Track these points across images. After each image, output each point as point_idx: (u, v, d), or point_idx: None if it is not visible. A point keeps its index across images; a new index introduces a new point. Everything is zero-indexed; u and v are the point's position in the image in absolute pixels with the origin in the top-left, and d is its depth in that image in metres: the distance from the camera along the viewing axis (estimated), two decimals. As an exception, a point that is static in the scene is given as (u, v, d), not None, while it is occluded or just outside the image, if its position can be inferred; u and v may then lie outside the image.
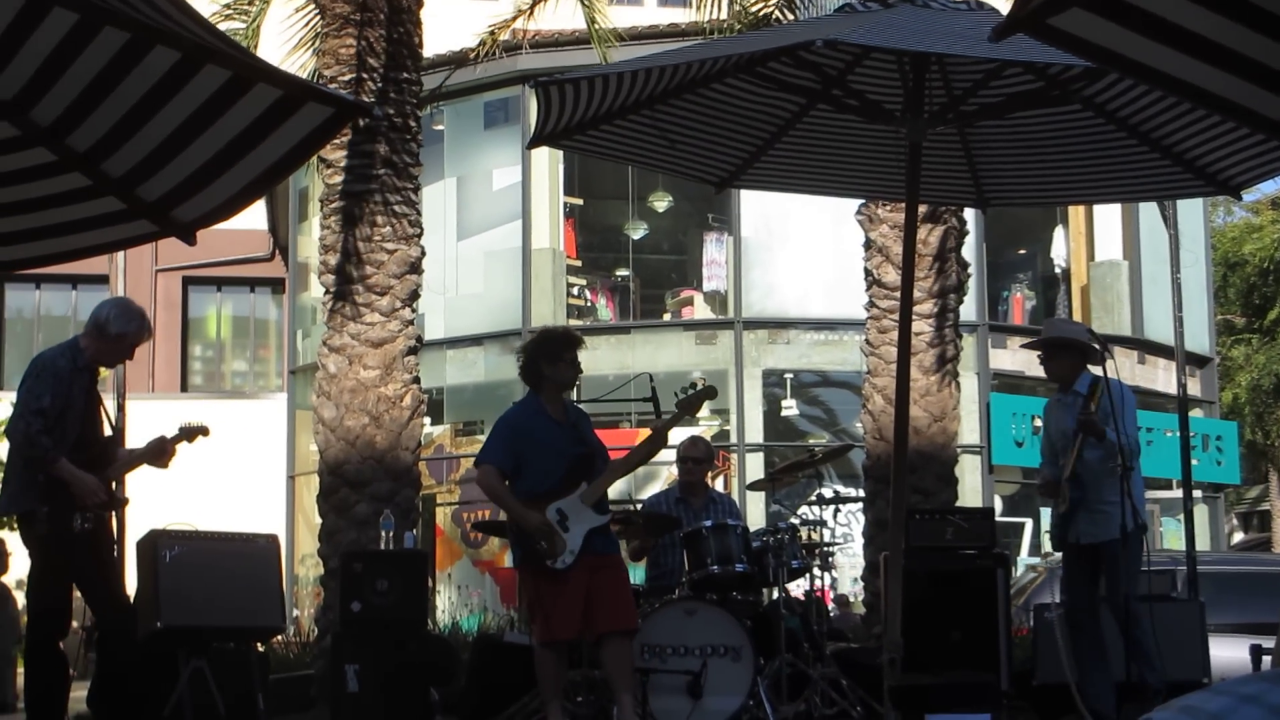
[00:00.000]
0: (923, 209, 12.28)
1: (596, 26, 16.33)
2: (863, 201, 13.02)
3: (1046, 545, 21.14)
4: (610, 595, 8.03)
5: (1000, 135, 8.18)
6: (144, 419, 8.74)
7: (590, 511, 8.05)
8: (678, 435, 15.56)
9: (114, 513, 8.07)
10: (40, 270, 26.43)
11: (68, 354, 7.62)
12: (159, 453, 7.89)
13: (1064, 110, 7.75)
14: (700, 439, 11.20)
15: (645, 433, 8.71)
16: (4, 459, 8.49)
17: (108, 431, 7.90)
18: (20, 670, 13.07)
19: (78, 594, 7.86)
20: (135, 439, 8.16)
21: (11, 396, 7.83)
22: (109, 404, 8.55)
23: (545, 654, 8.09)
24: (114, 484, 7.99)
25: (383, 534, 10.15)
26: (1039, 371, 9.65)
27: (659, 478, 20.10)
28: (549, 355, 8.27)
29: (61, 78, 5.42)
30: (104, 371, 16.53)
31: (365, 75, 11.67)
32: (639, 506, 10.79)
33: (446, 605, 19.12)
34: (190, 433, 8.04)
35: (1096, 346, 8.61)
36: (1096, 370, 8.80)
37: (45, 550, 7.49)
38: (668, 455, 18.32)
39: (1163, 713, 1.53)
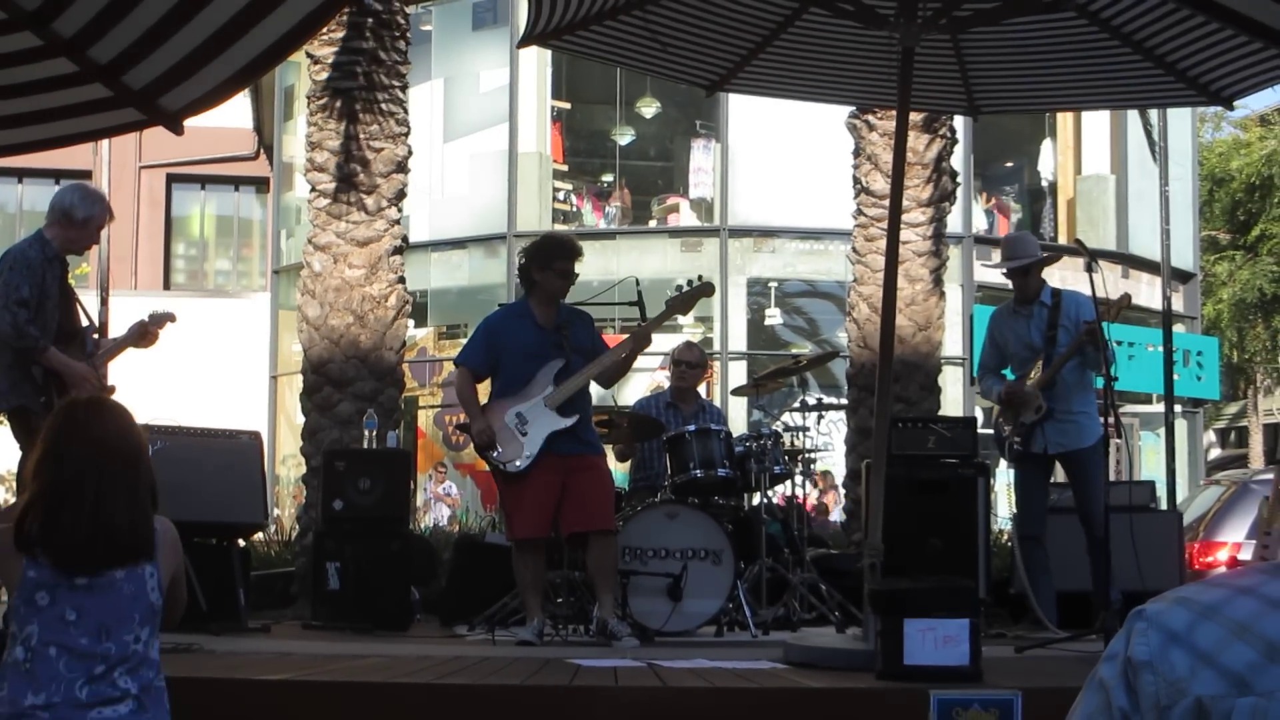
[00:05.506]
0: (920, 118, 12.22)
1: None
2: (854, 109, 12.93)
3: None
4: (584, 496, 8.07)
5: (993, 42, 8.12)
6: (127, 316, 8.66)
7: (553, 414, 8.08)
8: (672, 340, 15.63)
9: None
10: (23, 164, 26.31)
11: (36, 245, 7.53)
12: (142, 334, 7.86)
13: (1058, 17, 7.69)
14: (694, 344, 11.19)
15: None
16: None
17: (85, 322, 7.83)
18: None
19: None
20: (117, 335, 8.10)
21: None
22: (92, 300, 8.48)
23: (519, 554, 8.19)
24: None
25: (366, 433, 10.15)
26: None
27: (642, 384, 20.11)
28: (540, 261, 8.26)
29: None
30: (86, 268, 16.49)
31: (354, -30, 11.55)
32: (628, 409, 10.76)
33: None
34: (159, 319, 8.00)
35: (1086, 256, 8.58)
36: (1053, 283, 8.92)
37: None
38: (651, 362, 18.52)
39: (1157, 604, 1.52)
